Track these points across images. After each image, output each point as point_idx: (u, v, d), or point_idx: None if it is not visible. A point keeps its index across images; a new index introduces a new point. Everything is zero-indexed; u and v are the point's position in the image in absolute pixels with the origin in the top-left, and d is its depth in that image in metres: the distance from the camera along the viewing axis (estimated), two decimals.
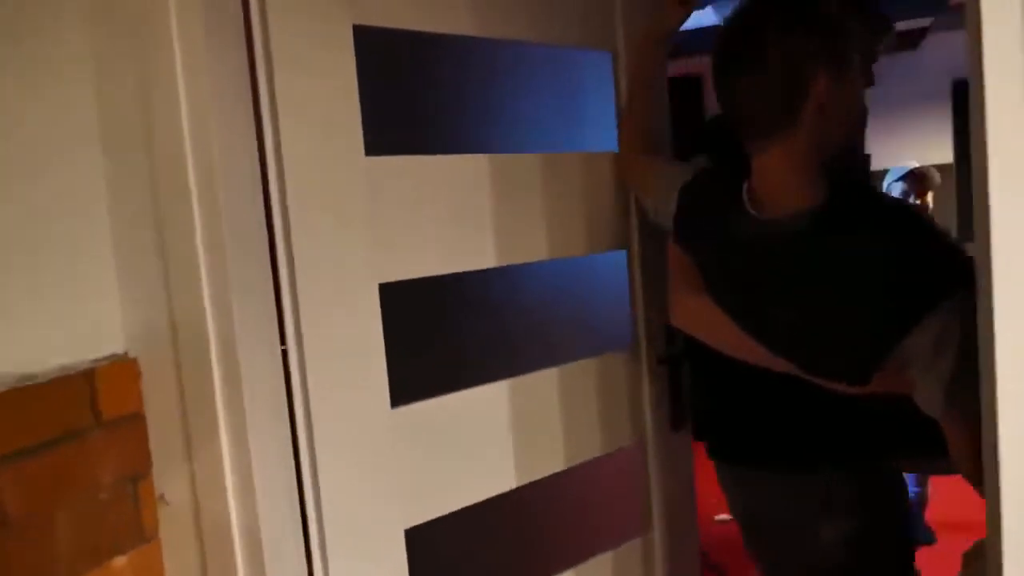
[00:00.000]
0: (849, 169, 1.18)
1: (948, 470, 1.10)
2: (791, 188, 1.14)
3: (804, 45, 1.07)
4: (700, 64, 5.28)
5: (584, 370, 1.54)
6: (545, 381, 1.48)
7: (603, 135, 1.62)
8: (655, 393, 1.62)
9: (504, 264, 1.41)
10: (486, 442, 1.39)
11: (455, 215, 1.34)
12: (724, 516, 2.57)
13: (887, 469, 1.33)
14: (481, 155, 1.39)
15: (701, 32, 4.37)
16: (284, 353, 1.14)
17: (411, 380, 1.28)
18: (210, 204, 1.04)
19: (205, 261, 1.05)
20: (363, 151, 1.23)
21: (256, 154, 1.11)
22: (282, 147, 1.13)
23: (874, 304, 1.05)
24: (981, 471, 0.89)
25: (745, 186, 1.21)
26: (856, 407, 1.17)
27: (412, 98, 1.49)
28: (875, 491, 1.32)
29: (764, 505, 1.42)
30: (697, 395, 1.55)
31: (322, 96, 1.17)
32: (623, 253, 1.59)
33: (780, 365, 1.17)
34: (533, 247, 1.45)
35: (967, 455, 1.00)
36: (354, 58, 1.19)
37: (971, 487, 0.97)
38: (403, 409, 1.29)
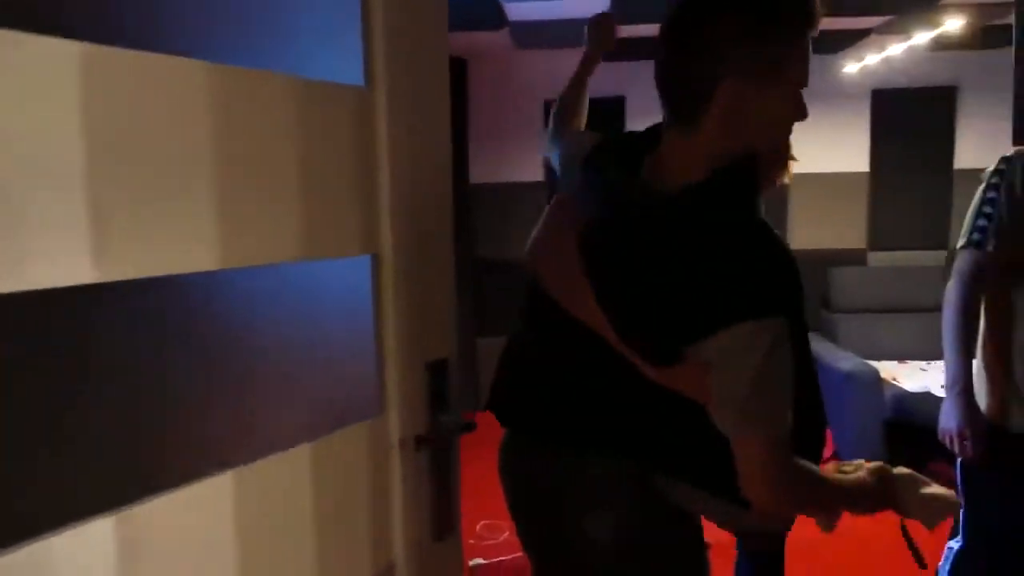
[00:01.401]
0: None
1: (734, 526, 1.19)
2: (687, 169, 1.09)
3: (727, 45, 1.03)
4: (466, 44, 4.92)
5: (292, 465, 0.86)
6: (214, 494, 0.78)
7: (331, 56, 0.96)
8: (412, 490, 0.99)
9: (127, 278, 0.69)
10: None
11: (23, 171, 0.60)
12: None
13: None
14: (78, 43, 0.65)
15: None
16: None
17: None
18: None
19: None
20: None
21: None
22: None
23: (702, 292, 1.01)
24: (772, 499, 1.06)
25: (650, 156, 1.16)
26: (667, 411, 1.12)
27: None
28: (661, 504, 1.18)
29: (547, 485, 1.23)
30: (508, 362, 1.34)
31: None
32: (366, 261, 0.94)
33: (603, 326, 1.10)
34: (189, 249, 0.74)
35: (754, 480, 1.04)
36: None
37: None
38: None
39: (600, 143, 1.24)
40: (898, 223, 5.25)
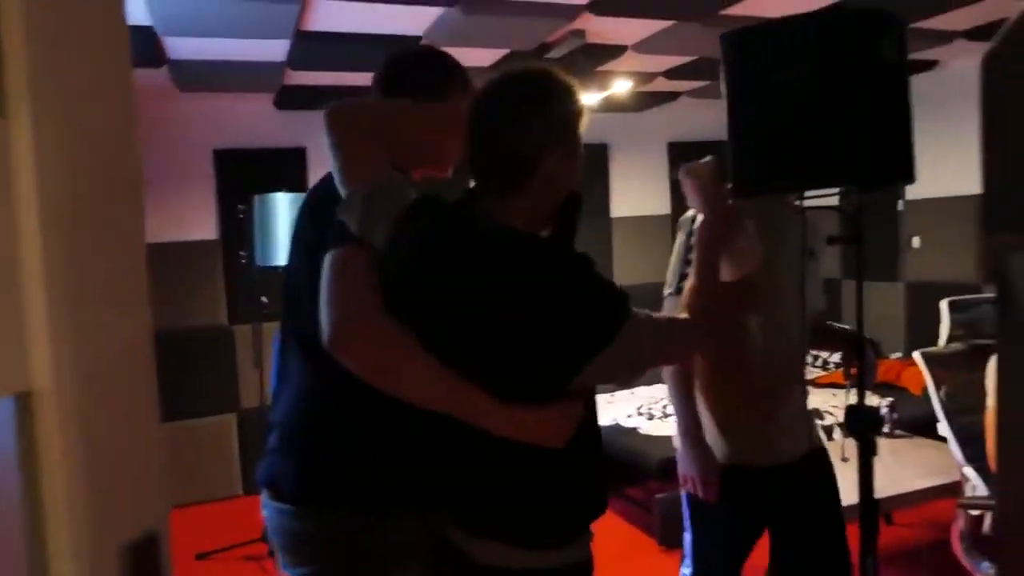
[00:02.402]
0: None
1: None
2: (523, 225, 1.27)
3: (549, 130, 1.24)
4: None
5: None
6: None
7: None
8: None
9: None
10: None
11: None
12: None
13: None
14: None
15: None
16: None
17: None
18: None
19: None
20: None
21: None
22: None
23: (591, 311, 1.20)
24: None
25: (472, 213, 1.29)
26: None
27: None
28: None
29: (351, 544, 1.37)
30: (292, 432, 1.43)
31: None
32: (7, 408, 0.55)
33: (443, 396, 1.19)
34: None
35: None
36: None
37: None
38: None
39: (421, 199, 1.27)
40: None
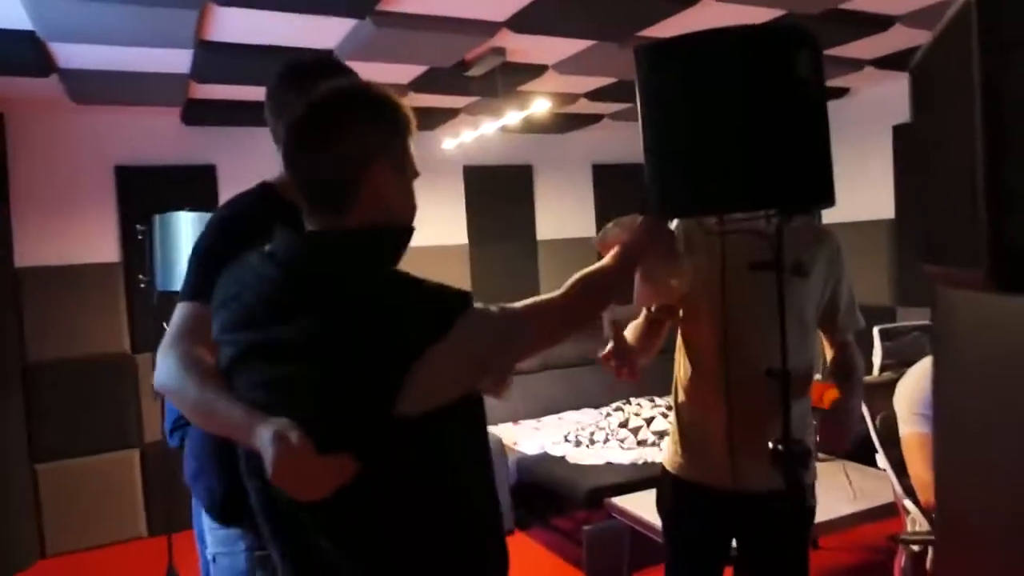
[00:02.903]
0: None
1: None
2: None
3: (371, 144, 1.17)
4: None
5: None
6: None
7: None
8: None
9: None
10: None
11: None
12: None
13: None
14: None
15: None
16: None
17: None
18: None
19: None
20: None
21: None
22: None
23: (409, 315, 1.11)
24: None
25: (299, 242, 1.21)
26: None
27: None
28: None
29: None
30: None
31: None
32: None
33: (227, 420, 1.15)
34: None
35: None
36: None
37: None
38: None
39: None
40: (496, 289, 5.51)
